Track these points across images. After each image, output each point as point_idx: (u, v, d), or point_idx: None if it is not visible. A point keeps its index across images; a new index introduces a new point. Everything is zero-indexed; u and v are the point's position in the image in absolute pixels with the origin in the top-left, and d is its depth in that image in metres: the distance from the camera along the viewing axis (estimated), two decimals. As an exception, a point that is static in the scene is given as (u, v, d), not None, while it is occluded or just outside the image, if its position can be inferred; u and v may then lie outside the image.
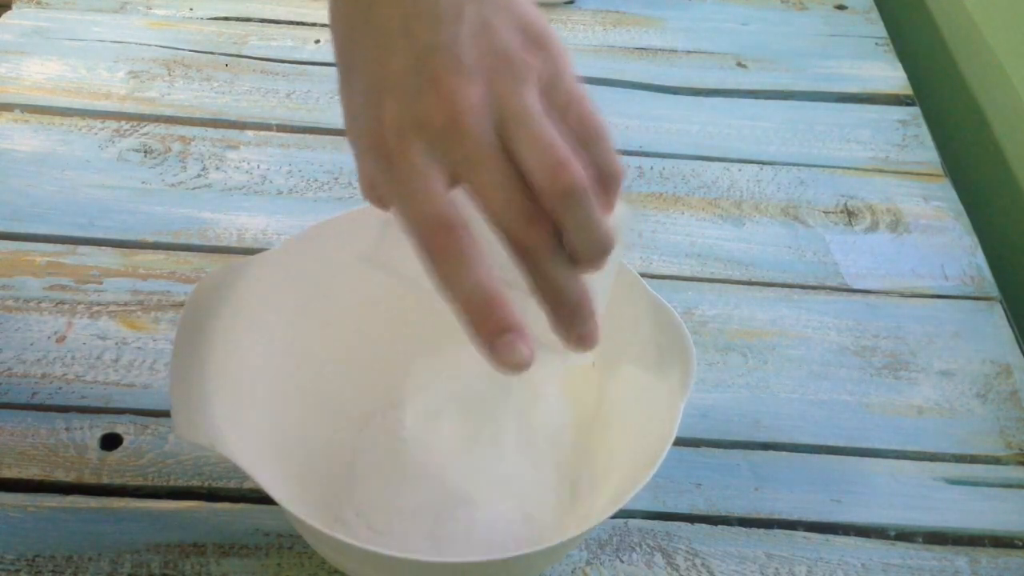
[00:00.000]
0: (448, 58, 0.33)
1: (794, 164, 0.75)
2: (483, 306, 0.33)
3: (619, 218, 0.36)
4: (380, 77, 0.34)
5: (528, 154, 0.33)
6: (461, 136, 0.33)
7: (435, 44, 0.33)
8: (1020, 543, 0.52)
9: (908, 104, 0.81)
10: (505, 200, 0.33)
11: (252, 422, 0.46)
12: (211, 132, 0.73)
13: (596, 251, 0.35)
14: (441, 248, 0.33)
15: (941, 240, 0.69)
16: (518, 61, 0.33)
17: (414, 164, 0.33)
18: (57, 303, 0.59)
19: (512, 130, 0.33)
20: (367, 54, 0.34)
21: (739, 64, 0.84)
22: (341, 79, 0.36)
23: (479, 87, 0.33)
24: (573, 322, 0.35)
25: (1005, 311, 0.65)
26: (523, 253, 0.34)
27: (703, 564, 0.50)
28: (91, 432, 0.53)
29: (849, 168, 0.75)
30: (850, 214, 0.71)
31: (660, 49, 0.86)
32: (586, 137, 0.34)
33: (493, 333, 0.33)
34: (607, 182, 0.35)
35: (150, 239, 0.64)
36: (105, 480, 0.51)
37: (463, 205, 0.33)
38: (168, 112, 0.74)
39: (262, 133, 0.72)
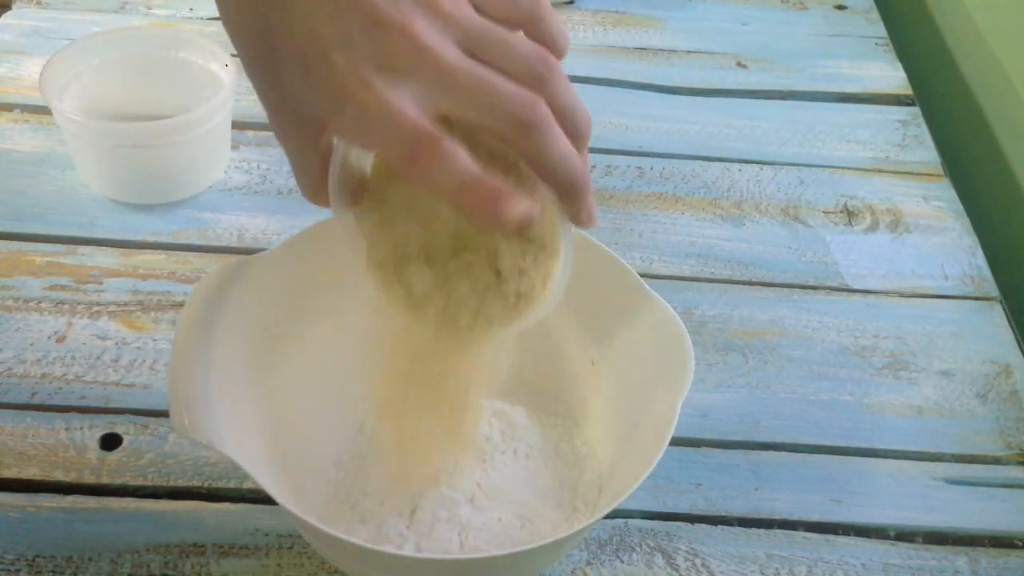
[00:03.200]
0: (376, 1, 0.33)
1: (794, 164, 0.75)
2: (477, 184, 0.34)
3: None
4: (314, 40, 0.34)
5: (505, 62, 0.35)
6: (431, 59, 0.33)
7: None
8: (1020, 543, 0.52)
9: (908, 104, 0.81)
10: (496, 93, 0.34)
11: (252, 422, 0.46)
12: (211, 132, 0.72)
13: (583, 123, 0.37)
14: (429, 155, 0.33)
15: (941, 240, 0.69)
16: None
17: (387, 98, 0.33)
18: (57, 303, 0.59)
19: (477, 46, 0.35)
20: (289, 28, 0.34)
21: (739, 64, 0.84)
22: (258, 71, 0.36)
23: (421, 15, 0.33)
24: (584, 194, 0.37)
25: (1005, 311, 0.65)
26: (528, 135, 0.34)
27: (703, 564, 0.50)
28: (91, 432, 0.53)
29: (849, 168, 0.75)
30: (850, 214, 0.71)
31: (660, 49, 0.86)
32: (529, 19, 0.37)
33: (494, 199, 0.34)
34: (558, 53, 0.37)
35: (150, 239, 0.64)
36: (105, 480, 0.51)
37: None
38: (168, 112, 0.74)
39: (262, 133, 0.72)
